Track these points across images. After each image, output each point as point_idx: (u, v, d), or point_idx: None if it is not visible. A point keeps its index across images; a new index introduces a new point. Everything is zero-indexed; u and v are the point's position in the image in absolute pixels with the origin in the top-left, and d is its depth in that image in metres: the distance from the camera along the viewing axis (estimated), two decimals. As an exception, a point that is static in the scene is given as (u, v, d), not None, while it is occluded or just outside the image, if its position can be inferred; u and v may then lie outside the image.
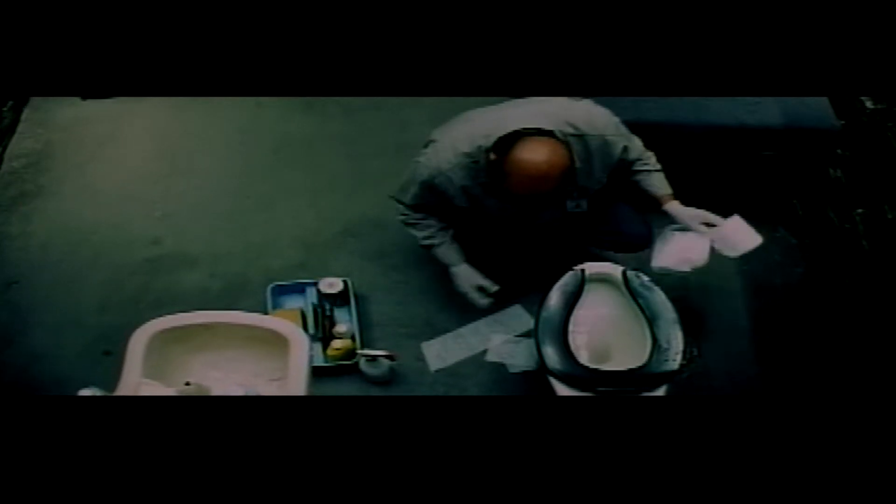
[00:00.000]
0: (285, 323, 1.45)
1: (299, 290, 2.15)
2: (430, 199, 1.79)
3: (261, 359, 1.49)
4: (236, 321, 1.44)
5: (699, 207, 1.79)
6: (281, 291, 2.12)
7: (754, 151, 2.12)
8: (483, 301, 1.94)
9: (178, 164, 2.52)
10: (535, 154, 1.53)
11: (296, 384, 1.33)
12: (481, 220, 1.88)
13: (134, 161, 2.53)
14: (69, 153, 2.54)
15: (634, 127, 1.98)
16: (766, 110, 2.05)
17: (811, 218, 2.34)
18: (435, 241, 1.89)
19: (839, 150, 2.38)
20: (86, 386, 1.27)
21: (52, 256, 2.27)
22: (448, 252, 1.91)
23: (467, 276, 1.92)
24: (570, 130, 1.65)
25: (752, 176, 2.20)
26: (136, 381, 1.35)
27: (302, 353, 1.38)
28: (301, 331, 1.46)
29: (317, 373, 2.02)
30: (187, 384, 1.33)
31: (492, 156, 1.59)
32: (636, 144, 1.81)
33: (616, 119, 1.77)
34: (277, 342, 1.45)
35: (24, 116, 2.62)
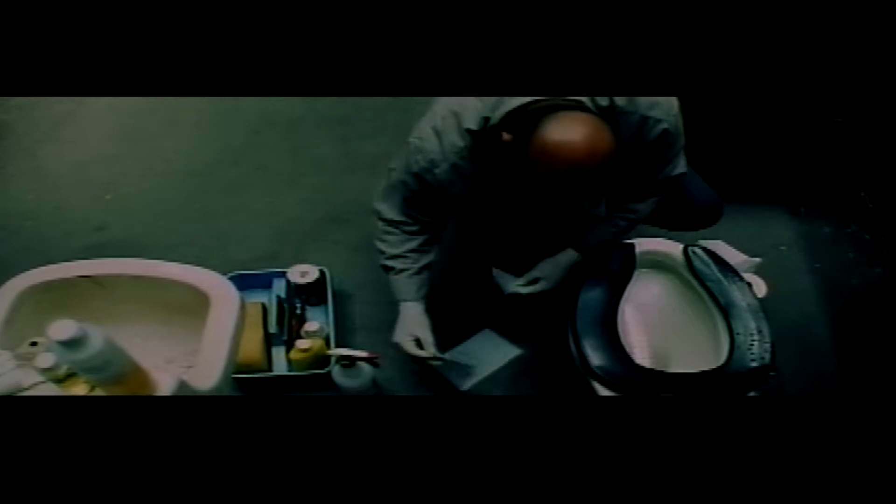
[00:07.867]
0: (207, 274, 1.00)
1: (264, 282, 1.71)
2: (421, 192, 1.32)
3: (178, 336, 1.04)
4: (136, 272, 1.00)
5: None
6: (241, 284, 1.66)
7: (826, 118, 1.73)
8: (417, 352, 1.39)
9: (140, 146, 2.16)
10: (570, 133, 1.05)
11: (209, 362, 0.88)
12: (477, 206, 1.39)
13: (91, 142, 2.18)
14: (21, 134, 2.22)
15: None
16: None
17: (887, 208, 1.93)
18: (400, 265, 1.41)
19: None
20: None
21: (-20, 244, 1.90)
22: (408, 282, 1.41)
23: (413, 320, 1.40)
24: (603, 102, 1.16)
25: (819, 153, 1.83)
26: (-18, 350, 0.91)
27: (226, 314, 0.93)
28: (231, 286, 1.01)
29: (277, 386, 1.59)
30: (33, 344, 0.88)
31: (505, 136, 1.11)
32: (679, 162, 1.32)
33: (675, 101, 1.23)
34: (201, 310, 1.01)
35: (-22, 96, 2.31)
